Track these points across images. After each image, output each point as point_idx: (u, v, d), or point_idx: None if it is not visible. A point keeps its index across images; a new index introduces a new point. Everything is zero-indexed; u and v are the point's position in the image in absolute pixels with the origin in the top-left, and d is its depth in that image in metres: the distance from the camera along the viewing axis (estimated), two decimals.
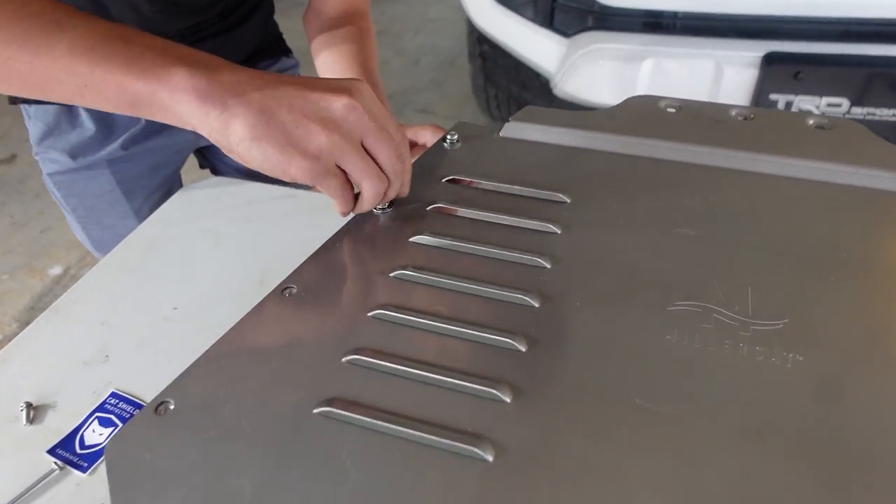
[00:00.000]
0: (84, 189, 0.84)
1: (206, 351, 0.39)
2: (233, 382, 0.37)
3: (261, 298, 0.68)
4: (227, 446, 0.34)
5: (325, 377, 0.37)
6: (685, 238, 0.44)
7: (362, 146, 0.42)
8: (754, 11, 1.31)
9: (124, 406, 0.58)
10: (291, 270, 0.71)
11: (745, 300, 0.40)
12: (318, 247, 0.72)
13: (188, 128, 0.40)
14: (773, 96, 1.30)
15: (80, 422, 0.58)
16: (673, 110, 0.56)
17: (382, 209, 0.48)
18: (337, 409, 0.35)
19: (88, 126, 0.78)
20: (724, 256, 0.43)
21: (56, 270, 1.91)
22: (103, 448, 0.55)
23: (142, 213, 0.87)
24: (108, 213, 0.86)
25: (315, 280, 0.43)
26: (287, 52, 0.91)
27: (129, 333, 0.64)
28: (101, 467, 0.54)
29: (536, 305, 0.40)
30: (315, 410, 0.35)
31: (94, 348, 0.63)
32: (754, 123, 0.54)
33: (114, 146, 0.80)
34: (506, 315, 0.40)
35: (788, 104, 1.29)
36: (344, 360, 0.38)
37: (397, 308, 0.41)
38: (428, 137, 0.61)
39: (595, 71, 1.39)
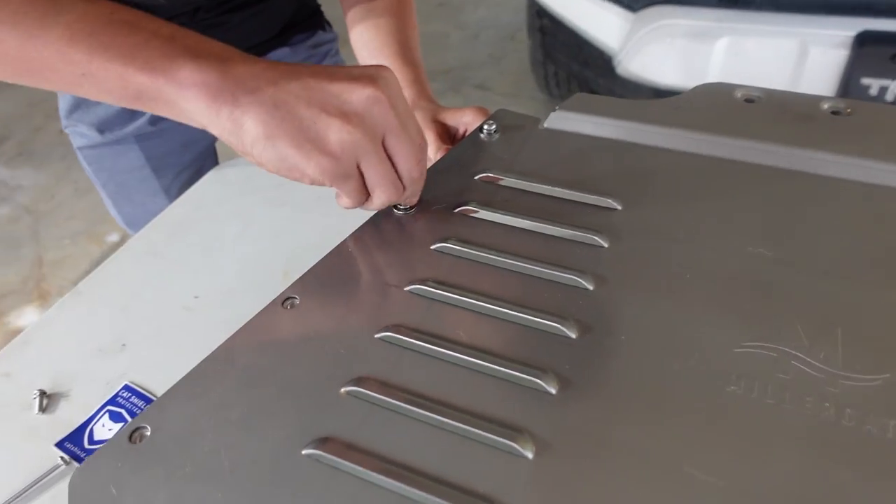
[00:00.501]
0: (113, 164, 0.81)
1: (191, 370, 0.35)
2: (217, 409, 0.32)
3: (282, 291, 0.64)
4: (200, 488, 0.29)
5: (320, 411, 0.32)
6: (760, 260, 0.37)
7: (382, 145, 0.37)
8: None
9: (136, 401, 0.56)
10: (316, 260, 0.67)
11: (833, 346, 0.32)
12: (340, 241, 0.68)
13: (198, 126, 0.36)
14: (865, 81, 1.16)
15: (90, 415, 0.56)
16: (751, 101, 0.47)
17: (405, 210, 0.42)
18: (329, 452, 0.30)
19: None
20: (810, 287, 0.35)
21: (113, 238, 1.94)
22: None
23: (172, 191, 0.85)
24: (137, 190, 0.84)
25: (320, 291, 0.38)
26: (324, 24, 0.86)
27: (147, 322, 0.61)
28: None
29: (573, 336, 0.34)
30: (304, 451, 0.30)
31: (112, 336, 0.60)
32: (851, 120, 0.45)
33: (142, 121, 0.77)
34: (538, 349, 0.34)
35: (883, 90, 1.15)
36: (343, 390, 0.33)
37: (410, 330, 0.35)
38: (468, 122, 0.55)
39: (663, 49, 1.28)
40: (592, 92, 1.89)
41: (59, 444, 0.51)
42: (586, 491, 0.28)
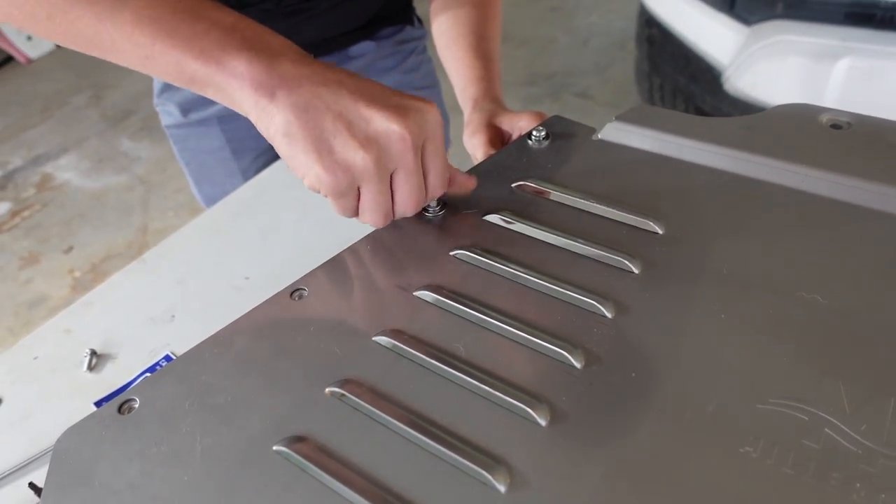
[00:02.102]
0: (196, 144, 0.85)
1: (192, 348, 0.35)
2: (203, 392, 0.32)
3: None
4: (169, 468, 0.29)
5: (300, 408, 0.31)
6: (812, 308, 0.32)
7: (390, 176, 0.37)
8: None
9: None
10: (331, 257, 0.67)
11: (881, 417, 0.27)
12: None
13: (241, 113, 0.38)
14: None
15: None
16: (838, 127, 0.42)
17: (433, 212, 0.41)
18: (298, 452, 0.29)
19: None
20: (867, 346, 0.30)
21: None
22: None
23: (249, 174, 0.87)
24: (217, 171, 0.87)
25: (330, 286, 0.37)
26: (414, 20, 0.84)
27: (198, 297, 0.63)
28: None
29: (578, 367, 0.31)
30: (275, 447, 0.29)
31: (164, 306, 0.63)
32: None
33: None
34: (537, 375, 0.31)
35: None
36: (328, 390, 0.32)
37: (408, 338, 0.33)
38: (523, 127, 0.52)
39: (776, 67, 1.18)
40: (699, 109, 1.79)
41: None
42: None
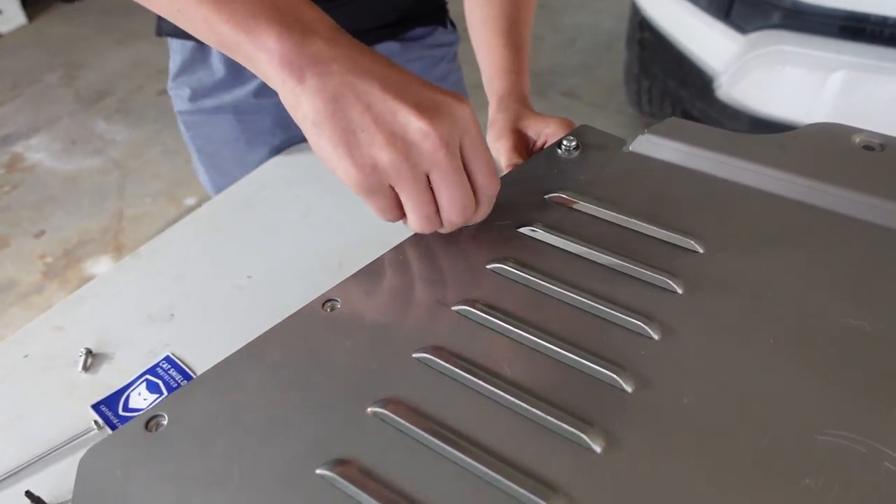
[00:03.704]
0: (210, 132, 0.82)
1: (221, 361, 0.33)
2: (237, 410, 0.31)
3: (335, 283, 0.63)
4: (207, 491, 0.28)
5: (343, 429, 0.30)
6: (859, 334, 0.32)
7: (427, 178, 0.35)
8: None
9: (174, 374, 0.56)
10: (372, 259, 0.66)
11: None
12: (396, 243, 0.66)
13: (270, 85, 0.36)
14: None
15: (129, 381, 0.56)
16: (871, 149, 0.42)
17: None
18: (344, 476, 0.28)
19: (218, 68, 0.76)
20: None
21: (191, 201, 2.01)
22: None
23: None
24: (229, 161, 0.84)
25: (363, 298, 0.36)
26: (447, 22, 0.80)
27: (198, 295, 0.61)
28: None
29: (629, 390, 0.30)
30: (318, 471, 0.28)
31: (162, 303, 0.61)
32: None
33: (244, 93, 0.76)
34: (587, 398, 0.30)
35: None
36: (370, 410, 0.30)
37: (450, 355, 0.32)
38: (550, 134, 0.51)
39: (771, 77, 1.19)
40: (686, 113, 1.81)
41: (95, 406, 0.52)
42: None
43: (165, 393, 0.54)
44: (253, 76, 0.75)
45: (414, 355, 0.33)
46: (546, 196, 0.41)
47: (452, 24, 0.82)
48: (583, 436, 0.29)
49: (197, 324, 0.60)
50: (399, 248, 0.39)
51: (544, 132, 0.50)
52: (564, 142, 0.44)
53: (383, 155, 0.33)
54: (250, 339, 0.58)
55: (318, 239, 0.68)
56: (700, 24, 1.35)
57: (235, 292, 0.63)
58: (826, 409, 0.29)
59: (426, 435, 0.29)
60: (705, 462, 0.28)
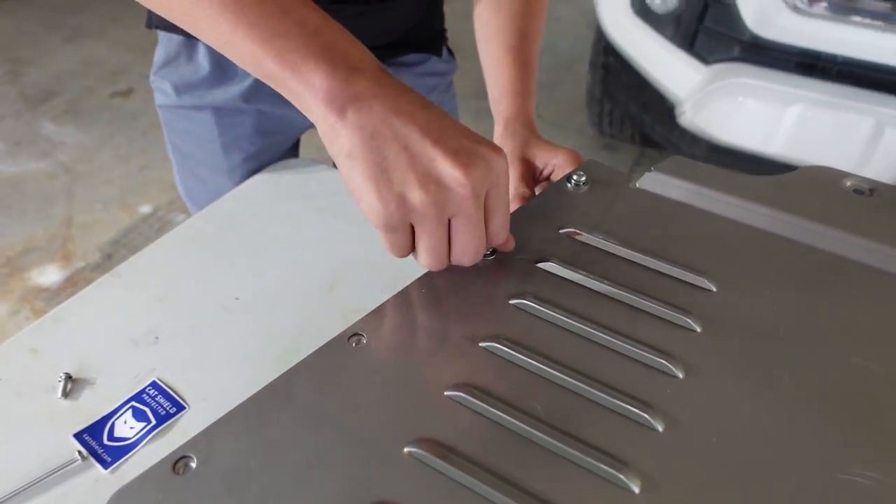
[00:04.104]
0: (187, 130, 0.79)
1: (248, 399, 0.32)
2: (270, 450, 0.30)
3: (325, 307, 0.62)
4: None
5: (381, 470, 0.29)
6: (866, 374, 0.34)
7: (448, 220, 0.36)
8: None
9: (162, 401, 0.54)
10: (364, 280, 0.65)
11: None
12: (399, 262, 0.66)
13: (309, 118, 0.37)
14: None
15: (113, 408, 0.54)
16: (860, 192, 0.45)
17: (484, 255, 0.40)
18: None
19: (203, 65, 0.74)
20: None
21: (146, 209, 1.94)
22: (130, 445, 0.50)
23: (235, 175, 0.82)
24: (202, 163, 0.81)
25: (390, 334, 0.36)
26: (442, 51, 0.78)
27: (184, 317, 0.59)
28: (124, 465, 0.49)
29: (660, 430, 0.31)
30: None
31: (146, 326, 0.58)
32: None
33: (227, 94, 0.74)
34: (616, 431, 0.31)
35: None
36: (406, 450, 0.30)
37: (482, 392, 0.33)
38: (558, 164, 0.52)
39: (732, 107, 1.25)
40: (646, 137, 1.86)
41: (78, 436, 0.50)
42: None
43: (153, 421, 0.52)
44: (242, 77, 0.74)
45: (446, 393, 0.33)
46: (560, 231, 0.42)
47: (451, 53, 0.81)
48: (620, 476, 0.29)
49: (184, 347, 0.58)
50: (421, 282, 0.39)
51: (552, 163, 0.50)
52: (574, 177, 0.45)
53: (414, 195, 0.34)
54: (241, 363, 0.57)
55: (308, 260, 0.67)
56: (665, 52, 1.40)
57: (223, 314, 0.61)
58: (845, 448, 0.31)
59: (465, 475, 0.29)
60: (738, 498, 0.29)
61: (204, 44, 0.70)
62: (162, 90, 0.77)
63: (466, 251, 0.37)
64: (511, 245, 0.40)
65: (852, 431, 0.31)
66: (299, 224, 0.72)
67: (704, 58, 1.30)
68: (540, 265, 0.40)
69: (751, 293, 0.38)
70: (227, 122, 0.78)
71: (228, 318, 0.61)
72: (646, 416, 0.32)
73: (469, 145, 0.35)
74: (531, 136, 0.55)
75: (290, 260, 0.67)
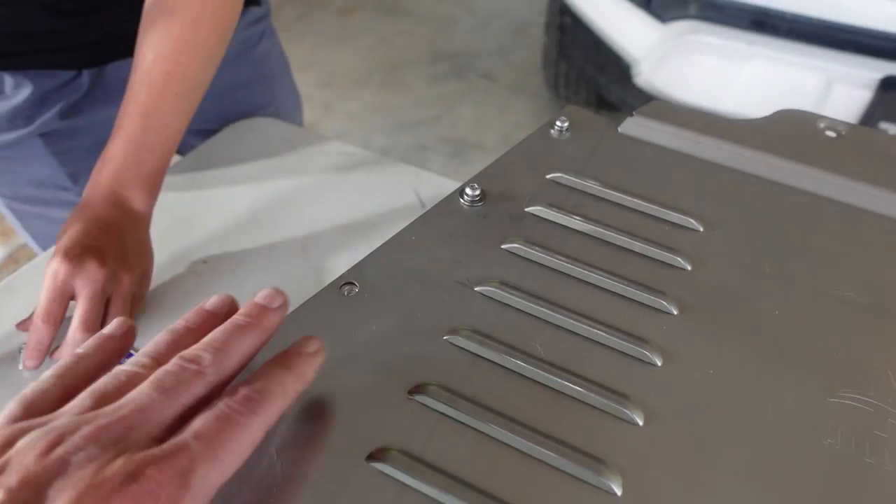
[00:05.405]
0: (20, 172, 0.69)
1: None
2: None
3: (301, 268, 0.60)
4: (252, 489, 0.26)
5: (386, 417, 0.29)
6: (849, 304, 0.35)
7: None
8: (878, 26, 1.17)
9: None
10: (337, 240, 0.63)
11: None
12: (373, 220, 0.64)
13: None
14: (883, 125, 1.17)
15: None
16: (833, 134, 0.46)
17: (472, 201, 0.39)
18: (391, 463, 0.27)
19: (11, 91, 0.64)
20: None
21: None
22: None
23: None
24: (52, 205, 0.72)
25: (381, 281, 0.35)
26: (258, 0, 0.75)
27: (153, 283, 0.57)
28: None
29: (658, 364, 0.32)
30: (369, 462, 0.27)
31: None
32: None
33: (49, 115, 0.66)
34: (618, 367, 0.31)
35: None
36: (408, 395, 0.30)
37: (481, 336, 0.32)
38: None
39: (688, 65, 1.26)
40: (602, 99, 1.87)
41: None
42: None
43: None
44: (59, 99, 0.65)
45: (445, 338, 0.32)
46: (548, 176, 0.42)
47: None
48: (624, 409, 0.30)
49: (155, 314, 0.56)
50: (409, 229, 0.38)
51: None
52: (557, 123, 0.45)
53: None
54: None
55: (277, 221, 0.65)
56: (621, 10, 1.40)
57: (192, 278, 0.59)
58: (833, 373, 0.32)
59: (474, 419, 0.29)
60: (736, 423, 0.29)
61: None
62: None
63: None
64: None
65: (839, 357, 0.32)
66: (265, 184, 0.69)
67: (661, 16, 1.30)
68: (529, 210, 0.39)
69: (736, 232, 0.39)
70: (62, 149, 0.69)
71: (198, 282, 0.59)
72: (644, 351, 0.32)
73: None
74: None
75: (257, 221, 0.65)
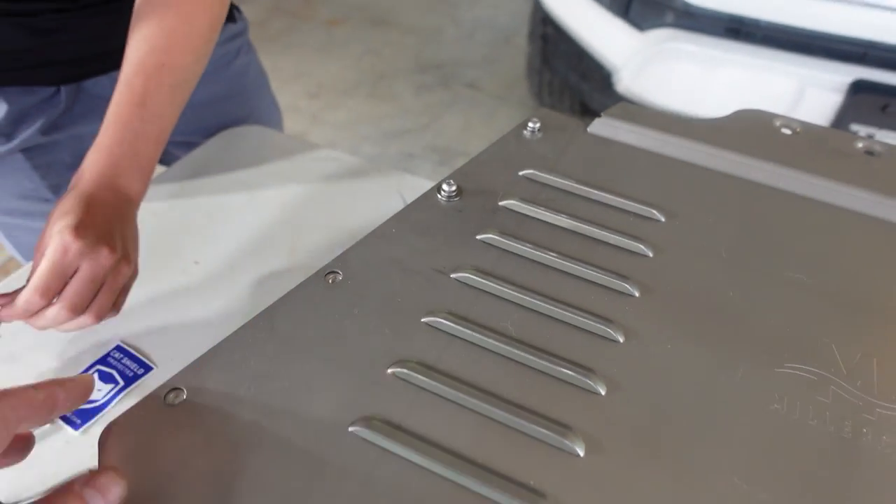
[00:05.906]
0: (2, 185, 0.70)
1: (232, 334, 0.33)
2: (257, 379, 0.31)
3: (289, 268, 0.63)
4: (244, 456, 0.28)
5: (366, 390, 0.31)
6: (798, 285, 0.38)
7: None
8: (846, 32, 1.22)
9: (128, 363, 0.54)
10: (325, 241, 0.66)
11: (869, 374, 0.33)
12: (359, 222, 0.67)
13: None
14: (854, 127, 1.21)
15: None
16: (789, 132, 0.49)
17: (448, 196, 0.42)
18: (374, 430, 0.29)
19: None
20: (846, 315, 0.36)
21: None
22: (99, 406, 0.50)
23: None
24: (35, 216, 0.73)
25: (363, 269, 0.37)
26: (234, 14, 0.77)
27: (144, 283, 0.59)
28: (94, 427, 0.49)
29: (620, 340, 0.34)
30: (351, 428, 0.30)
31: None
32: (884, 160, 0.46)
33: (30, 132, 0.67)
34: (583, 346, 0.34)
35: (870, 138, 1.20)
36: (390, 371, 0.32)
37: (456, 318, 0.35)
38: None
39: (666, 72, 1.30)
40: (585, 106, 1.91)
41: None
42: (632, 494, 0.28)
43: (121, 382, 0.52)
44: (38, 115, 0.66)
45: (423, 320, 0.35)
46: (520, 173, 0.44)
47: (238, 11, 0.78)
48: (588, 381, 0.32)
49: (145, 311, 0.58)
50: (390, 223, 0.40)
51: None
52: (530, 124, 0.48)
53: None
54: (207, 323, 0.57)
55: (266, 223, 0.67)
56: (601, 20, 1.44)
57: (183, 278, 0.61)
58: (782, 347, 0.34)
59: (449, 390, 0.31)
60: (692, 392, 0.32)
61: None
62: None
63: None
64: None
65: (787, 333, 0.35)
66: (256, 189, 0.72)
67: (639, 24, 1.34)
68: (502, 203, 0.42)
69: (695, 222, 0.42)
70: (43, 163, 0.70)
71: (189, 281, 0.61)
72: (608, 329, 0.34)
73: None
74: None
75: (248, 224, 0.67)
